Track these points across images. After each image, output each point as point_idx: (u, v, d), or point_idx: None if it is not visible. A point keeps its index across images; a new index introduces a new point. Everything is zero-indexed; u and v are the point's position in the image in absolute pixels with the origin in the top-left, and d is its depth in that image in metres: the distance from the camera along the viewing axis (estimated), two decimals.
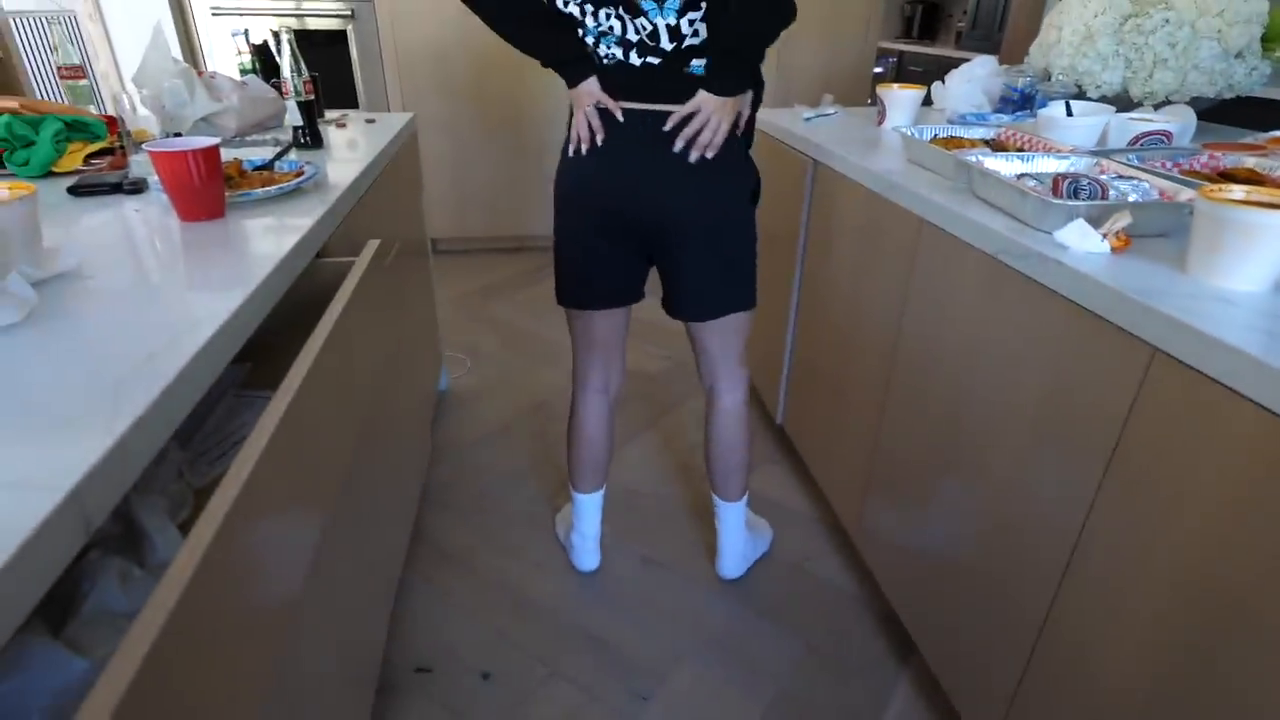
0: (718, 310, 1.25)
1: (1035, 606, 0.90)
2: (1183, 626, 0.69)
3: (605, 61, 1.10)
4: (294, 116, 1.36)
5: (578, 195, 1.18)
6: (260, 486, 0.57)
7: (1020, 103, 1.74)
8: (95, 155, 1.23)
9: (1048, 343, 0.86)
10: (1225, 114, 1.73)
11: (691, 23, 1.03)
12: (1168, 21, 1.48)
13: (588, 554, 1.53)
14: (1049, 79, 1.69)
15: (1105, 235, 0.82)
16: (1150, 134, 1.17)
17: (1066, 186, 0.92)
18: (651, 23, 1.04)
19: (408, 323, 1.60)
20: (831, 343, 1.54)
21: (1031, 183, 0.94)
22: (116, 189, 1.10)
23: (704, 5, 1.01)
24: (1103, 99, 1.58)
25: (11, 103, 1.19)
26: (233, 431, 0.84)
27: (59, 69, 1.53)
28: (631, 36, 1.06)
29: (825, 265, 1.54)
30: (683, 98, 1.08)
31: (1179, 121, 1.19)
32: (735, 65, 1.07)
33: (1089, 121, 1.19)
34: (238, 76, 1.59)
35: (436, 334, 2.08)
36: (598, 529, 1.52)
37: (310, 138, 1.39)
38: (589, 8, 1.06)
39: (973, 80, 1.81)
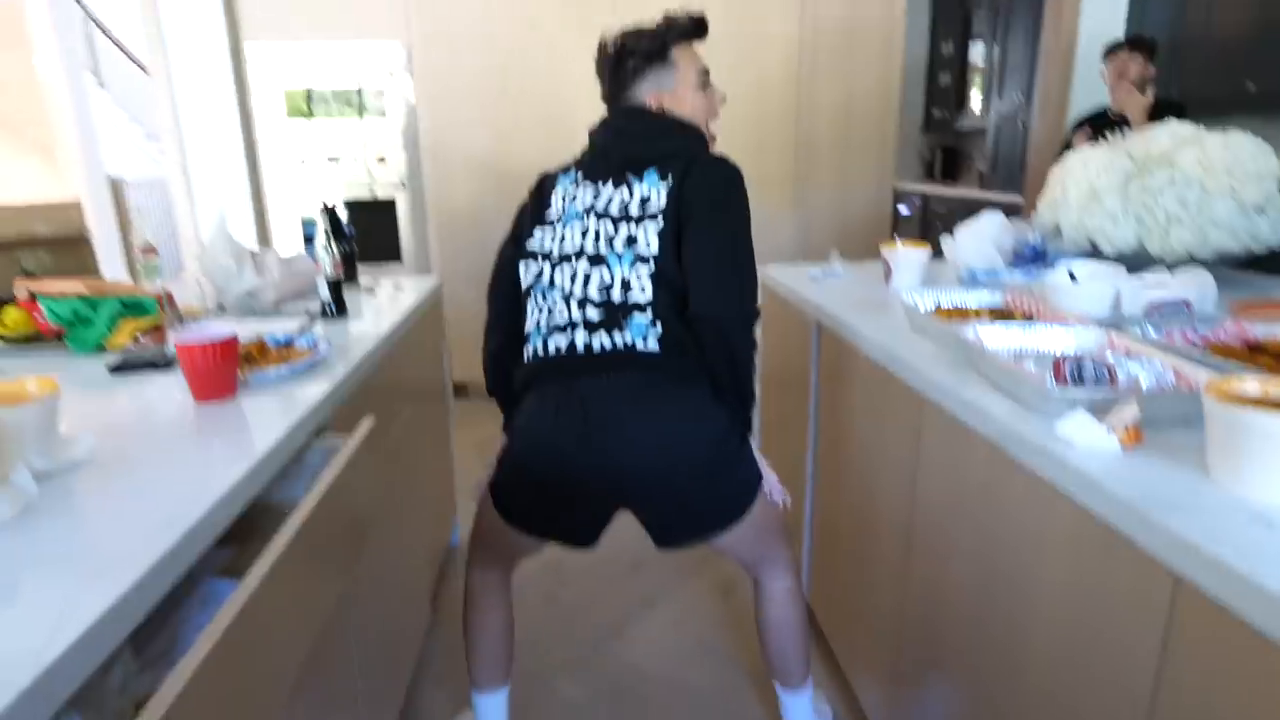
0: (700, 536, 1.19)
1: None
2: None
3: (550, 353, 1.14)
4: (323, 292, 1.45)
5: (531, 459, 1.17)
6: (190, 705, 0.55)
7: (1033, 258, 1.74)
8: (145, 331, 1.32)
9: (1062, 549, 0.79)
10: (1258, 261, 1.69)
11: (639, 277, 1.12)
12: (1173, 181, 1.49)
13: None
14: (1059, 235, 1.69)
15: (1113, 429, 0.77)
16: (1167, 302, 1.14)
17: (1069, 370, 0.88)
18: (610, 273, 1.13)
19: (417, 478, 1.61)
20: (849, 513, 1.47)
21: (1030, 363, 0.91)
22: (151, 365, 1.16)
23: (653, 264, 1.11)
24: (1119, 256, 1.57)
25: (78, 286, 1.30)
26: (199, 627, 0.82)
27: (137, 249, 1.69)
28: (578, 291, 1.13)
29: (838, 429, 1.50)
30: (624, 369, 1.11)
31: (1195, 288, 1.16)
32: (737, 408, 1.18)
33: (1095, 289, 1.17)
34: (302, 243, 1.72)
35: (452, 484, 2.07)
36: None
37: (336, 309, 1.47)
38: (547, 269, 1.16)
39: (983, 236, 1.83)
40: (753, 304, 1.17)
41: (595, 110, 1.27)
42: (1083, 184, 1.65)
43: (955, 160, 5.80)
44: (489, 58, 3.10)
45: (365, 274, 1.84)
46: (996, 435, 0.88)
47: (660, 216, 1.13)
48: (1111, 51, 2.87)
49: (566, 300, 1.14)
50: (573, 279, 1.15)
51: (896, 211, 5.97)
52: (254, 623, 0.65)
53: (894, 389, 1.18)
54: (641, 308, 1.11)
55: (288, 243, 3.12)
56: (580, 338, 1.12)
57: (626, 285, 1.12)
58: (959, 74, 5.34)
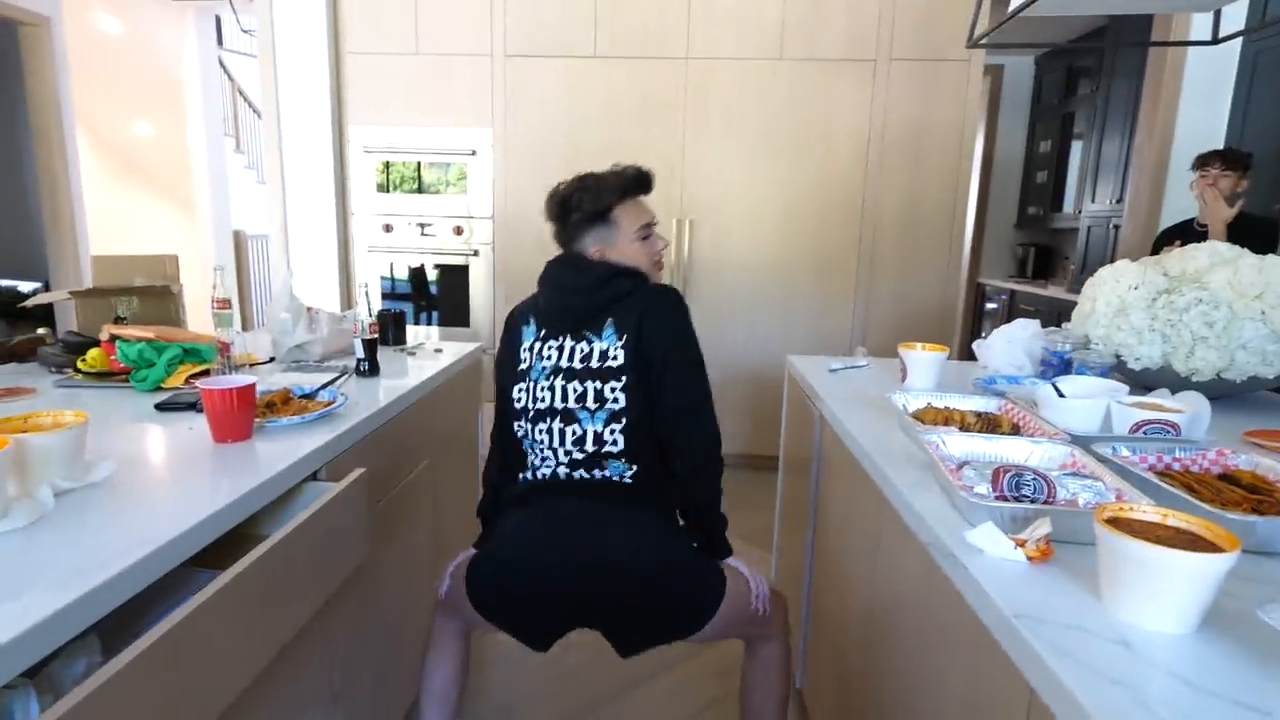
0: (655, 643, 1.27)
1: None
2: None
3: (540, 473, 1.29)
4: (359, 351, 1.60)
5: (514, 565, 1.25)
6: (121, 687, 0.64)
7: (1060, 368, 1.69)
8: (196, 375, 1.51)
9: (962, 657, 0.78)
10: None
11: (613, 431, 1.24)
12: (1200, 301, 1.44)
13: None
14: (1087, 346, 1.65)
15: (1024, 542, 0.77)
16: (1151, 423, 1.11)
17: (1008, 481, 0.88)
18: (583, 429, 1.24)
19: (432, 524, 1.70)
20: (834, 607, 1.45)
21: (970, 474, 0.91)
22: (191, 407, 1.33)
23: (625, 419, 1.23)
24: (1145, 372, 1.51)
25: (148, 333, 1.50)
26: None
27: (215, 300, 1.92)
28: (557, 446, 1.26)
29: (830, 522, 1.50)
30: (596, 498, 1.25)
31: (1188, 411, 1.12)
32: (710, 532, 1.30)
33: (1080, 405, 1.15)
34: (379, 302, 1.90)
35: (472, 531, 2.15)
36: None
37: (369, 368, 1.62)
38: (528, 426, 1.29)
39: (1014, 341, 1.81)
40: (718, 437, 1.31)
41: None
42: (1112, 298, 1.62)
43: (1049, 259, 5.66)
44: (566, 142, 3.34)
45: (433, 337, 2.01)
46: (929, 540, 0.88)
47: (624, 372, 1.24)
48: (1201, 163, 2.77)
49: (552, 450, 1.28)
50: (549, 434, 1.27)
51: (979, 309, 5.87)
52: (197, 628, 0.75)
53: (866, 486, 1.18)
54: (616, 455, 1.25)
55: (366, 304, 3.40)
56: (563, 471, 1.27)
57: (600, 439, 1.24)
58: (1055, 172, 5.28)
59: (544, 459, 1.28)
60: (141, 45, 5.57)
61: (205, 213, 5.79)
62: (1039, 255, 5.64)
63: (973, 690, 0.77)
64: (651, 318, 1.26)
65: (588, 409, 1.25)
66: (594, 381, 1.25)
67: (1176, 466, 1.00)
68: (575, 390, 1.25)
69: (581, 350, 1.27)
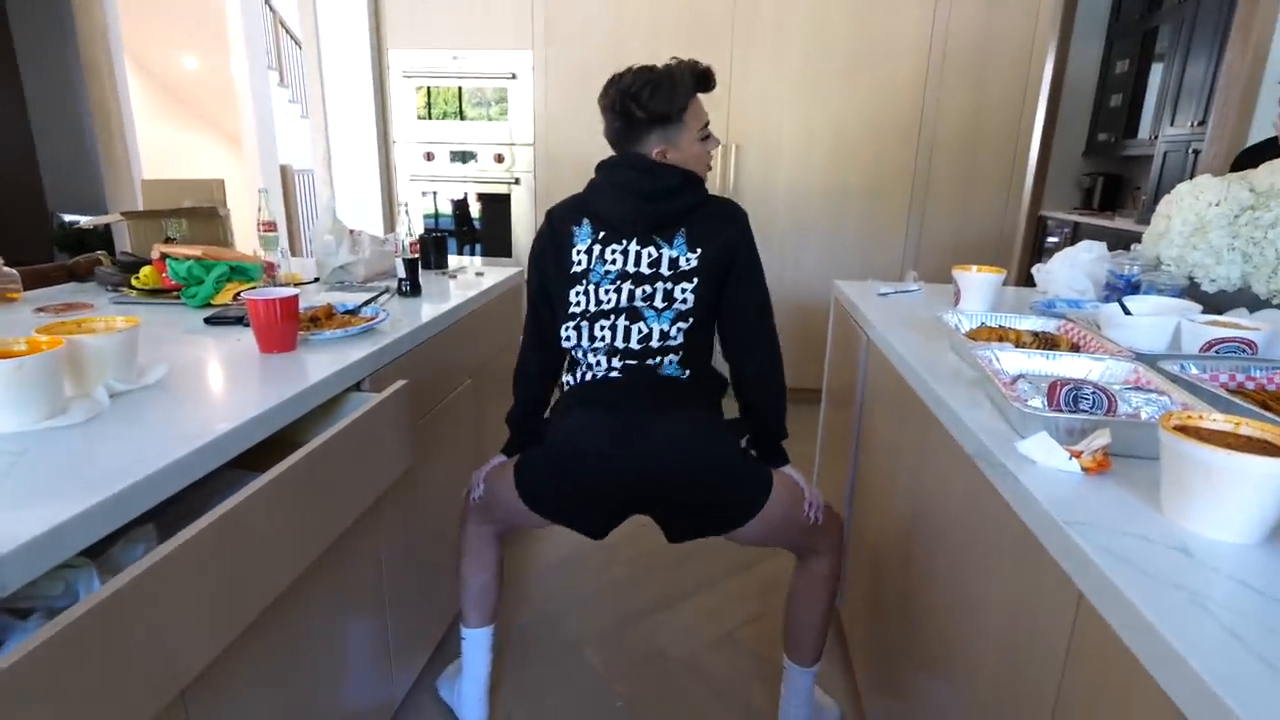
0: (703, 534, 1.28)
1: None
2: None
3: (594, 374, 1.28)
4: (400, 270, 1.61)
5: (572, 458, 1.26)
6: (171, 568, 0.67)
7: (1126, 290, 1.60)
8: (244, 292, 1.53)
9: (1005, 570, 0.76)
10: None
11: (678, 330, 1.24)
12: None
13: (475, 705, 1.47)
14: (1157, 268, 1.55)
15: (1080, 453, 0.73)
16: (1226, 340, 1.03)
17: (1065, 394, 0.84)
18: (649, 326, 1.24)
19: (474, 440, 1.74)
20: (874, 530, 1.43)
21: (1025, 387, 0.87)
22: (239, 321, 1.35)
23: (691, 319, 1.24)
24: (1220, 294, 1.42)
25: (196, 251, 1.53)
26: None
27: (260, 223, 1.95)
28: (619, 344, 1.25)
29: (873, 445, 1.47)
30: (654, 396, 1.24)
31: (1266, 329, 1.04)
32: (769, 441, 1.33)
33: (1148, 322, 1.08)
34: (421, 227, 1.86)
35: None
36: (487, 674, 1.48)
37: (411, 288, 1.62)
38: (585, 326, 1.26)
39: (1076, 264, 1.71)
40: (779, 346, 1.33)
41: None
42: (1190, 215, 1.51)
43: (1118, 189, 5.32)
44: (608, 66, 3.23)
45: (476, 263, 2.01)
46: (976, 451, 0.85)
47: (695, 277, 1.24)
48: None
49: (609, 352, 1.26)
50: (611, 330, 1.25)
51: (1040, 244, 5.58)
52: (250, 515, 0.78)
53: (911, 406, 1.15)
54: (675, 350, 1.25)
55: (411, 231, 3.42)
56: (618, 369, 1.26)
57: (665, 335, 1.25)
58: (1132, 95, 4.91)
59: (598, 360, 1.27)
60: None
61: (252, 146, 5.85)
62: (1107, 185, 5.29)
63: (1014, 601, 0.75)
64: (725, 234, 1.26)
65: (654, 308, 1.24)
66: (664, 284, 1.24)
67: (1251, 385, 0.94)
68: (644, 292, 1.24)
69: (649, 255, 1.25)
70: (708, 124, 1.33)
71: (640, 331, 1.25)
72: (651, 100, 1.24)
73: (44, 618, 0.69)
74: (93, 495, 0.68)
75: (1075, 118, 5.51)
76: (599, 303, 1.26)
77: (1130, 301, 1.20)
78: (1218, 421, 0.65)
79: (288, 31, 6.70)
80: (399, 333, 1.32)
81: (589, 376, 1.28)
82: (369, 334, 1.30)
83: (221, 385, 1.04)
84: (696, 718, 1.52)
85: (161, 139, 5.43)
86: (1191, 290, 1.47)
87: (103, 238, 2.02)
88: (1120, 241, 4.53)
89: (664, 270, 1.24)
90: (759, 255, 1.31)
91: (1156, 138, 4.55)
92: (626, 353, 1.25)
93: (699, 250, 1.25)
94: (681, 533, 1.29)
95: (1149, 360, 1.00)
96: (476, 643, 1.47)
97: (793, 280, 3.39)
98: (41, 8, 4.23)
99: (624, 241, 1.26)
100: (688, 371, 1.26)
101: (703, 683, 1.62)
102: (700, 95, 1.30)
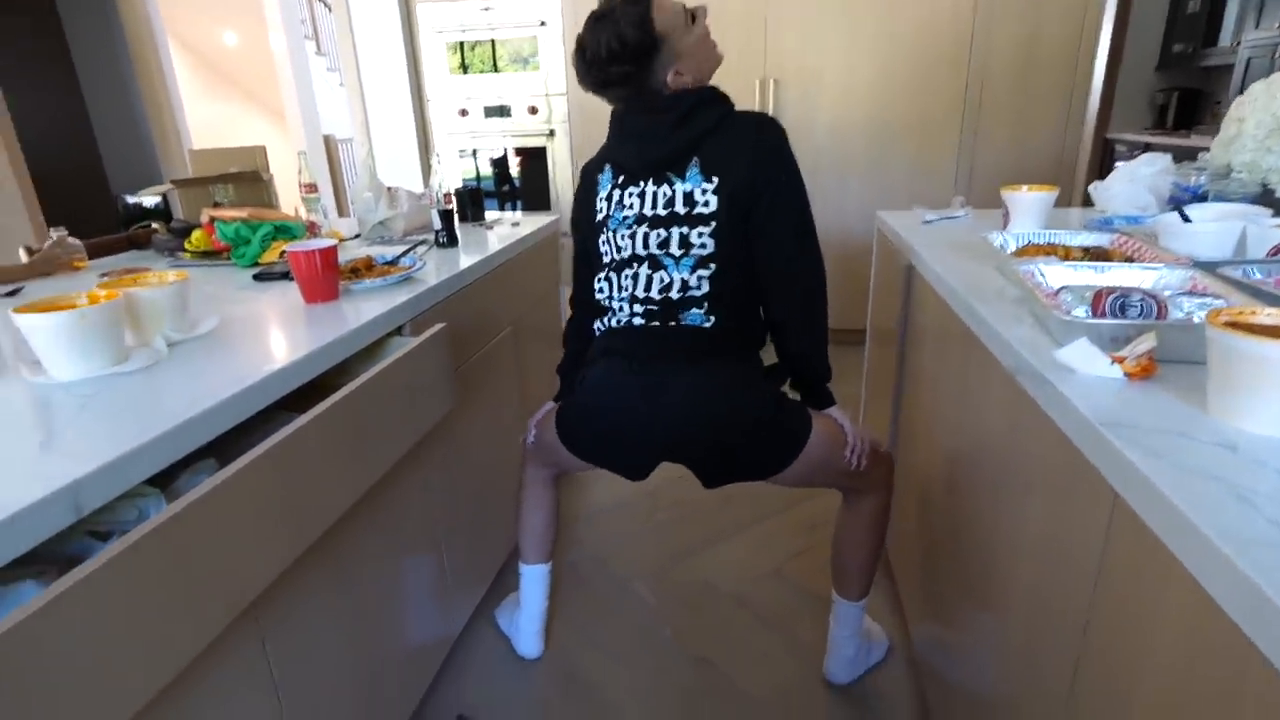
0: (737, 480, 1.25)
1: None
2: None
3: (618, 320, 1.24)
4: (436, 222, 1.63)
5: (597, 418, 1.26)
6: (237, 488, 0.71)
7: (1191, 203, 1.50)
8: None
9: (1045, 475, 0.75)
10: None
11: (700, 279, 1.17)
12: None
13: (531, 637, 1.52)
14: (1227, 176, 1.45)
15: (1124, 359, 0.70)
16: None
17: (1111, 302, 0.80)
18: (670, 276, 1.18)
19: (518, 384, 1.78)
20: (920, 456, 1.41)
21: (1068, 297, 0.83)
22: (285, 276, 1.40)
23: (713, 265, 1.16)
24: None
25: (242, 213, 1.58)
26: None
27: (302, 185, 1.99)
28: (640, 293, 1.20)
29: (918, 372, 1.44)
30: (677, 348, 1.19)
31: None
32: (812, 384, 1.26)
33: (1209, 228, 1.01)
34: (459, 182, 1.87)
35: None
36: (543, 608, 1.53)
37: (448, 239, 1.65)
38: (614, 277, 1.24)
39: (1137, 179, 1.61)
40: (824, 276, 1.23)
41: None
42: (1265, 116, 1.40)
43: (1195, 105, 4.95)
44: None
45: (516, 216, 2.04)
46: (1014, 364, 0.82)
47: (713, 218, 1.15)
48: None
49: (630, 300, 1.22)
50: (634, 280, 1.21)
51: (1107, 167, 5.25)
52: (300, 447, 0.82)
53: (954, 332, 1.12)
54: (699, 300, 1.18)
55: (443, 183, 3.46)
56: (639, 320, 1.22)
57: (686, 286, 1.18)
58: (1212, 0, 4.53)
59: (621, 307, 1.24)
60: None
61: (295, 118, 5.94)
62: (1183, 101, 4.91)
63: (1051, 515, 0.74)
64: (744, 153, 1.14)
65: (673, 255, 1.18)
66: (680, 227, 1.17)
67: None
68: (659, 236, 1.18)
69: (664, 195, 1.18)
70: (690, 12, 1.19)
71: (662, 281, 1.19)
72: (624, 53, 1.15)
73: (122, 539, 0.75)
74: (156, 428, 0.73)
75: (1147, 29, 5.10)
76: (619, 250, 1.23)
77: (1192, 210, 1.13)
78: (1273, 315, 0.62)
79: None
80: (436, 280, 1.35)
81: (613, 322, 1.25)
82: (408, 282, 1.33)
83: (270, 333, 1.09)
84: (744, 647, 1.55)
85: (209, 115, 5.57)
86: (1265, 198, 1.37)
87: (164, 213, 2.11)
88: (1197, 155, 4.25)
89: (679, 209, 1.17)
90: (797, 173, 1.17)
91: (1239, 44, 4.19)
92: (648, 301, 1.21)
93: (715, 179, 1.15)
94: (715, 479, 1.27)
95: (1208, 268, 0.95)
96: (534, 578, 1.52)
97: (837, 220, 3.30)
98: (87, 3, 4.35)
99: (641, 183, 1.21)
100: (714, 319, 1.19)
101: (750, 613, 1.65)
102: None
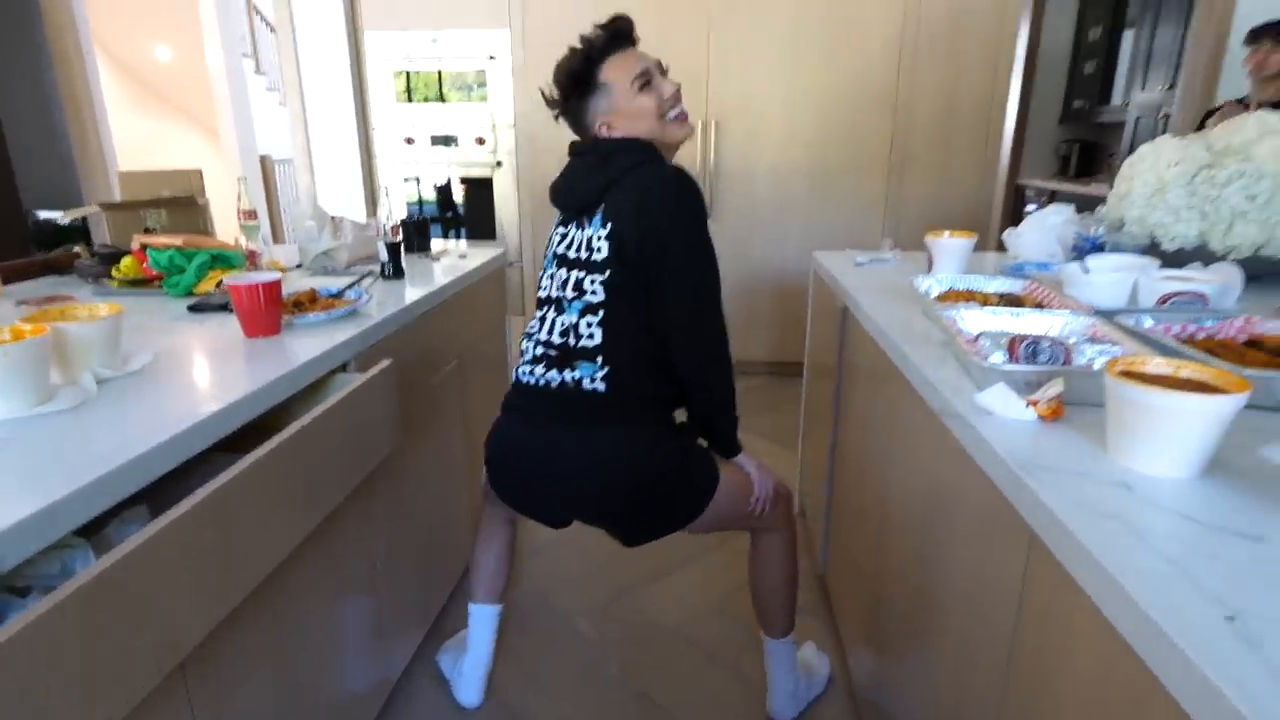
0: (643, 540, 1.29)
1: None
2: None
3: (522, 369, 1.26)
4: (382, 254, 1.62)
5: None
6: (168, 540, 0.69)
7: (1091, 251, 1.64)
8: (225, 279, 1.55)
9: (970, 513, 0.80)
10: None
11: (589, 325, 1.17)
12: (1243, 174, 1.37)
13: (474, 684, 1.48)
14: (1121, 229, 1.59)
15: (1036, 402, 0.77)
16: (1180, 294, 1.07)
17: (1024, 349, 0.87)
18: (566, 320, 1.20)
19: (463, 420, 1.76)
20: (855, 490, 1.48)
21: (985, 343, 0.91)
22: (222, 307, 1.37)
23: (601, 313, 1.16)
24: (1180, 252, 1.46)
25: (176, 240, 1.54)
26: None
27: (241, 212, 1.95)
28: (543, 335, 1.22)
29: (852, 410, 1.51)
30: (571, 411, 1.19)
31: (1218, 281, 1.08)
32: (713, 434, 1.27)
33: (1106, 279, 1.12)
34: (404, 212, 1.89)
35: None
36: (489, 652, 1.50)
37: (394, 271, 1.64)
38: (536, 314, 1.26)
39: (1045, 228, 1.75)
40: (723, 341, 1.22)
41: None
42: (1150, 177, 1.55)
43: (1094, 155, 5.38)
44: None
45: (462, 247, 2.05)
46: (939, 407, 0.88)
47: (606, 266, 1.16)
48: (1253, 37, 2.61)
49: (536, 342, 1.24)
50: (541, 322, 1.24)
51: (1018, 212, 5.63)
52: (240, 493, 0.80)
53: (885, 370, 1.18)
54: (590, 353, 1.17)
55: (391, 215, 3.43)
56: (539, 372, 1.22)
57: (577, 332, 1.18)
58: (1104, 61, 4.95)
59: (527, 349, 1.26)
60: None
61: (230, 137, 5.77)
62: (1083, 152, 5.35)
63: (975, 551, 0.79)
64: (640, 206, 1.14)
65: (568, 298, 1.20)
66: (578, 271, 1.19)
67: (1201, 335, 0.98)
68: (561, 278, 1.22)
69: (578, 238, 1.22)
70: (646, 71, 1.21)
71: (562, 325, 1.20)
72: (564, 79, 1.22)
73: (41, 595, 0.72)
74: (84, 475, 0.70)
75: (1051, 86, 5.54)
76: (541, 289, 1.27)
77: (1091, 260, 1.24)
78: (1160, 365, 0.69)
79: (262, 17, 6.60)
80: (383, 314, 1.34)
81: (520, 372, 1.27)
82: (353, 316, 1.32)
83: (207, 370, 1.06)
84: (690, 684, 1.57)
85: (137, 131, 5.36)
86: (1153, 249, 1.51)
87: (81, 232, 2.02)
88: (1096, 205, 4.60)
89: (583, 253, 1.18)
90: (696, 236, 1.15)
91: (1128, 104, 4.60)
92: (548, 345, 1.22)
93: (609, 225, 1.16)
94: (632, 539, 1.30)
95: (1107, 315, 1.04)
96: (481, 619, 1.50)
97: (775, 257, 3.42)
98: (5, 7, 4.14)
99: (568, 225, 1.26)
100: (607, 376, 1.16)
101: (695, 650, 1.66)
102: (631, 49, 1.23)
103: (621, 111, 1.21)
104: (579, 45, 1.23)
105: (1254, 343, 0.93)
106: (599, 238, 1.18)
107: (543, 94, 1.29)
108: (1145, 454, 0.64)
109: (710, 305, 1.18)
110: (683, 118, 1.25)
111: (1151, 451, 0.63)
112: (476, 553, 1.50)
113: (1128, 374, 0.67)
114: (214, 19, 5.64)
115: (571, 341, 1.19)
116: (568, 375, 1.19)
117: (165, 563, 0.71)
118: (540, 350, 1.23)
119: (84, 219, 1.82)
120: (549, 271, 1.27)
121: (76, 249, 1.78)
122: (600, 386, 1.17)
